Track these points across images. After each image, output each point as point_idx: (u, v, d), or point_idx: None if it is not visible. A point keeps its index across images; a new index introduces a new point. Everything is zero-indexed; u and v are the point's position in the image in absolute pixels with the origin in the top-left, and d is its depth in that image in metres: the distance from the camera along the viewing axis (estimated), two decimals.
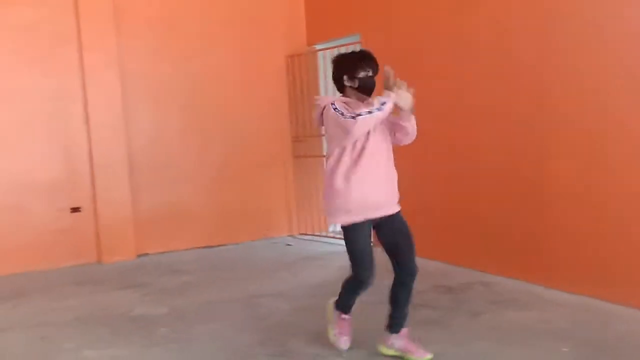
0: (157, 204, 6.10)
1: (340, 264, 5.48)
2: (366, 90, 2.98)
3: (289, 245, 6.41)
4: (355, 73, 2.97)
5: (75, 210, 5.71)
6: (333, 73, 3.08)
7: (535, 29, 4.25)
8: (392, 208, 3.02)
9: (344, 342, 3.22)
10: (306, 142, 6.86)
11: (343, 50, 6.17)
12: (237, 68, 6.55)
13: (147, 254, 6.01)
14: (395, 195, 3.06)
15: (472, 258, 4.84)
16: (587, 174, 3.98)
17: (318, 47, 6.75)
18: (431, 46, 5.18)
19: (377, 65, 3.02)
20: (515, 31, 4.39)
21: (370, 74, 2.99)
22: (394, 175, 3.07)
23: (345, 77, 3.01)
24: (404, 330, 3.13)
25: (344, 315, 3.24)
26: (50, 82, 5.66)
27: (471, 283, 4.46)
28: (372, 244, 3.05)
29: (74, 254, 5.68)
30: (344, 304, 3.23)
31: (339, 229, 6.80)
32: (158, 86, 6.14)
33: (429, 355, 3.04)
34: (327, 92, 6.63)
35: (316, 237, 6.70)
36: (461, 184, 4.99)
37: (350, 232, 3.00)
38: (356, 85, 2.99)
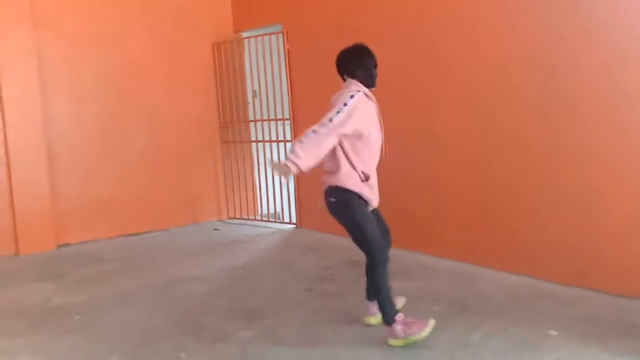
0: (79, 193, 6.02)
1: (264, 245, 5.66)
2: (371, 81, 3.25)
3: (216, 229, 6.50)
4: (367, 66, 3.26)
5: None
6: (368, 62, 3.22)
7: (463, 27, 4.50)
8: None
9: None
10: (234, 128, 6.93)
11: (267, 38, 6.35)
12: (161, 55, 6.50)
13: (68, 244, 5.94)
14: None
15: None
16: (477, 148, 4.35)
17: (244, 34, 6.80)
18: (349, 39, 5.33)
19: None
20: (440, 24, 4.59)
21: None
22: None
23: (352, 68, 3.24)
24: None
25: (401, 317, 3.08)
26: None
27: None
28: None
29: None
30: (391, 299, 3.08)
31: (265, 212, 6.97)
32: (77, 73, 6.02)
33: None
34: (253, 79, 6.72)
35: (244, 220, 6.82)
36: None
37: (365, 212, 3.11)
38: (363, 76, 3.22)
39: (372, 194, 3.16)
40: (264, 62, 6.41)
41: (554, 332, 3.12)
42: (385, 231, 3.27)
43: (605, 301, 3.53)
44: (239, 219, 6.92)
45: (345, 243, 5.21)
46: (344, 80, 3.26)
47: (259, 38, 6.45)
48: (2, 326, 3.71)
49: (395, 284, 3.96)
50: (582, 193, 3.73)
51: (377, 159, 3.19)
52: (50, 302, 4.16)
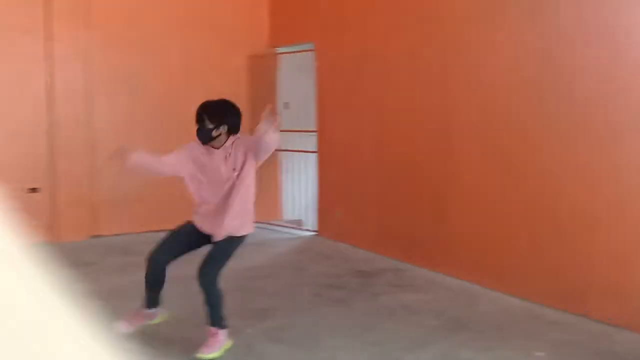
0: (114, 188, 6.41)
1: (282, 250, 5.91)
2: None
3: None
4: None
5: (32, 190, 6.03)
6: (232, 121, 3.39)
7: (472, 60, 4.67)
8: None
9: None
10: (277, 117, 7.20)
11: (300, 55, 6.64)
12: (199, 64, 6.85)
13: (100, 236, 6.35)
14: None
15: (393, 248, 5.31)
16: (484, 180, 4.49)
17: (279, 50, 7.12)
18: (379, 58, 5.59)
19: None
20: (463, 44, 4.76)
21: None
22: None
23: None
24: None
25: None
26: (15, 69, 5.92)
27: (385, 269, 4.92)
28: None
29: (28, 233, 5.97)
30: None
31: (289, 218, 7.20)
32: (121, 76, 6.43)
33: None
34: (285, 92, 7.01)
35: (267, 225, 7.09)
36: (389, 183, 5.43)
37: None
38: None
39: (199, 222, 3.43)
40: (296, 77, 6.71)
41: (540, 354, 3.23)
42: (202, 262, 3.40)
43: (594, 328, 3.62)
44: (262, 222, 7.19)
45: (359, 254, 5.46)
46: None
47: (292, 55, 6.75)
48: None
49: (401, 297, 4.17)
50: (576, 220, 3.84)
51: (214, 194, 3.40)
52: (73, 288, 4.50)
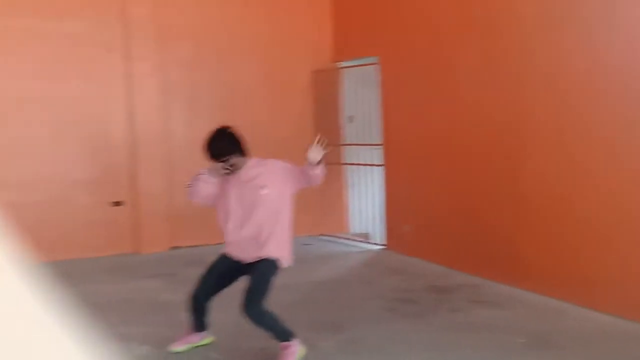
0: (190, 202, 6.70)
1: (351, 263, 5.97)
2: None
3: (307, 244, 6.91)
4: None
5: (117, 204, 6.40)
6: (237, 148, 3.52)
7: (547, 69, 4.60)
8: None
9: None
10: (328, 151, 7.33)
11: (363, 69, 6.74)
12: (265, 79, 7.09)
13: (179, 247, 6.64)
14: None
15: (468, 263, 5.22)
16: (564, 191, 4.35)
17: (342, 64, 7.24)
18: (440, 72, 5.59)
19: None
20: (535, 53, 4.67)
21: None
22: None
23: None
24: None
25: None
26: (98, 88, 6.31)
27: (461, 285, 4.85)
28: None
29: (114, 244, 6.36)
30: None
31: (355, 231, 7.26)
32: (193, 93, 6.75)
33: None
34: (349, 105, 7.11)
35: (334, 238, 7.18)
36: (463, 197, 5.38)
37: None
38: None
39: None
40: (359, 91, 6.80)
41: None
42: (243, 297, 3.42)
43: None
44: (329, 236, 7.29)
45: (430, 268, 5.43)
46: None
47: (356, 68, 6.85)
48: (120, 315, 4.31)
49: (482, 313, 4.11)
50: None
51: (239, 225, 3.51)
52: (160, 297, 4.75)
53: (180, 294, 4.81)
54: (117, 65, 6.37)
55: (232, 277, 3.60)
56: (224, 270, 3.62)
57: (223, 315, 4.24)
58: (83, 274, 5.58)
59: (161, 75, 6.53)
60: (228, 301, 4.55)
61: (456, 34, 5.40)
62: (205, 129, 6.72)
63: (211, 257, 6.10)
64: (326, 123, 7.34)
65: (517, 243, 4.79)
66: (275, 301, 4.52)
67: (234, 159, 3.40)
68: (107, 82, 6.37)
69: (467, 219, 5.28)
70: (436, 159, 5.74)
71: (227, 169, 3.41)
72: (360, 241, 6.93)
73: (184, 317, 4.20)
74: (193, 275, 5.45)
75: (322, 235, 7.36)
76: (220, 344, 3.69)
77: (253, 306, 3.32)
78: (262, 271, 3.41)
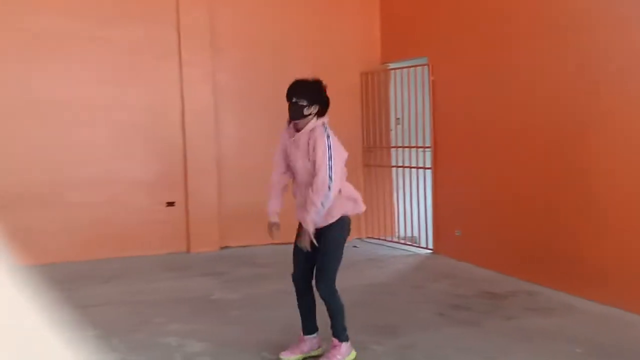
0: (240, 203, 6.83)
1: (400, 267, 5.93)
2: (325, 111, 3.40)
3: (355, 247, 6.91)
4: (325, 99, 3.43)
5: (170, 204, 6.58)
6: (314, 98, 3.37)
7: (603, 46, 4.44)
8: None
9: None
10: (376, 153, 7.34)
11: (413, 70, 6.69)
12: None
13: (229, 247, 6.77)
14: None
15: (522, 268, 5.09)
16: (628, 194, 4.17)
17: (391, 65, 7.21)
18: (494, 72, 5.48)
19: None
20: (601, 52, 4.55)
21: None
22: None
23: (313, 102, 3.34)
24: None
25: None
26: (153, 92, 6.51)
27: (516, 291, 4.75)
28: None
29: (167, 243, 6.55)
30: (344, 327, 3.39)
31: (403, 234, 7.21)
32: (244, 97, 6.88)
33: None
34: (397, 107, 7.07)
35: (381, 241, 7.16)
36: (517, 200, 5.25)
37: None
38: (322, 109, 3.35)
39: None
40: (408, 92, 6.74)
41: None
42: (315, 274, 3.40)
43: None
44: (376, 238, 7.27)
45: (482, 273, 5.34)
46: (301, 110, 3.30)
47: (405, 70, 6.80)
48: (174, 312, 4.43)
49: (537, 321, 4.02)
50: None
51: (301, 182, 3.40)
52: (212, 296, 4.86)
53: (231, 292, 4.93)
54: (172, 71, 6.55)
55: (314, 250, 3.36)
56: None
57: (275, 312, 4.31)
58: (139, 271, 5.77)
59: (213, 80, 6.68)
60: (282, 299, 4.62)
61: (510, 31, 5.27)
62: (255, 131, 6.95)
63: (260, 258, 6.27)
64: (374, 125, 7.33)
65: (578, 249, 4.61)
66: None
67: (312, 110, 3.26)
68: (163, 87, 6.56)
69: (521, 223, 5.14)
70: (488, 161, 5.62)
71: (290, 110, 3.29)
72: (408, 245, 6.88)
73: (235, 315, 4.30)
74: (243, 274, 5.58)
75: (369, 237, 7.35)
76: (272, 343, 3.73)
77: (322, 282, 3.29)
78: (326, 247, 3.29)
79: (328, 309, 3.37)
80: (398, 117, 7.17)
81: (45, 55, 6.10)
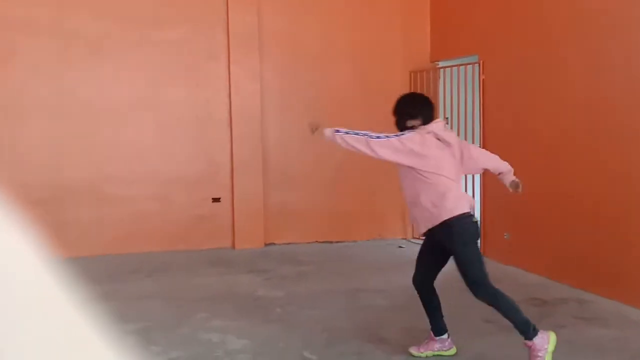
0: (285, 200, 6.87)
1: (444, 269, 5.77)
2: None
3: (401, 247, 6.82)
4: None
5: (215, 200, 6.68)
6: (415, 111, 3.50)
7: None
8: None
9: None
10: None
11: (462, 68, 6.52)
12: (360, 81, 7.06)
13: (273, 244, 6.81)
14: None
15: (572, 274, 4.88)
16: None
17: (440, 64, 7.05)
18: (547, 71, 5.26)
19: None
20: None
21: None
22: None
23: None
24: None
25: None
26: (202, 92, 6.64)
27: (567, 299, 4.54)
28: None
29: (211, 238, 6.65)
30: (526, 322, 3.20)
31: None
32: (289, 97, 6.91)
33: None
34: (446, 106, 6.92)
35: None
36: (568, 205, 5.03)
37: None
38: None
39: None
40: (458, 91, 6.57)
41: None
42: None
43: None
44: (419, 239, 7.13)
45: (531, 279, 5.15)
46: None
47: (455, 68, 6.63)
48: (217, 308, 4.47)
49: (587, 331, 3.84)
50: None
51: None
52: (256, 293, 4.89)
53: (274, 290, 4.96)
54: (219, 71, 6.65)
55: (436, 256, 3.41)
56: (424, 249, 3.53)
57: (317, 312, 4.30)
58: (182, 266, 5.89)
59: (261, 80, 6.72)
60: (325, 298, 4.61)
61: (564, 30, 5.05)
62: (299, 130, 6.95)
63: (304, 256, 6.28)
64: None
65: (630, 255, 4.38)
66: (372, 303, 4.53)
67: (414, 123, 3.40)
68: (210, 87, 6.67)
69: (571, 227, 4.92)
70: (539, 164, 5.40)
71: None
72: None
73: (278, 313, 4.31)
74: (286, 272, 5.61)
75: (415, 238, 7.23)
76: (314, 342, 3.72)
77: (472, 285, 3.27)
78: (455, 248, 3.26)
79: (495, 309, 3.29)
80: (447, 116, 7.01)
81: (95, 57, 6.30)
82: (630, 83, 4.43)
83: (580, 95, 4.88)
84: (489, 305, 3.26)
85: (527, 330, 3.15)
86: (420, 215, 3.32)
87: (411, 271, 5.64)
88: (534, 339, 3.14)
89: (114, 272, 5.57)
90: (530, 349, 3.16)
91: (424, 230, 3.38)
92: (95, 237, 6.23)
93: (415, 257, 3.59)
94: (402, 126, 3.44)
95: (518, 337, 3.74)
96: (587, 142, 4.79)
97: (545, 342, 3.14)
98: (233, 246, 6.67)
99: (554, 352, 3.15)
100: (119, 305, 4.34)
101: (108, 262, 5.89)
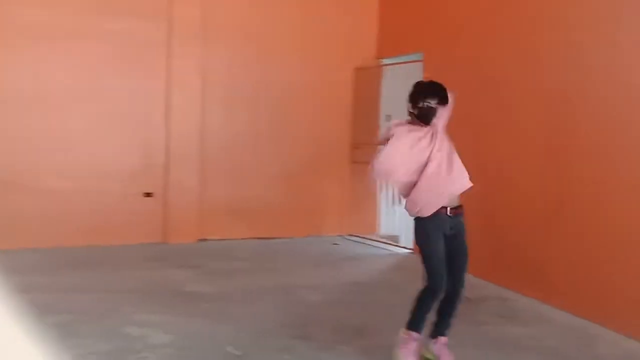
0: (220, 196, 6.75)
1: (379, 266, 5.87)
2: (422, 118, 3.29)
3: (335, 244, 6.85)
4: (417, 103, 3.28)
5: (148, 195, 6.47)
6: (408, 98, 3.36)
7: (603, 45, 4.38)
8: None
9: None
10: (364, 150, 7.25)
11: (404, 66, 6.61)
12: (308, 76, 7.03)
13: (206, 240, 6.68)
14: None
15: (499, 275, 5.04)
16: (607, 204, 4.12)
17: (385, 61, 7.12)
18: (491, 69, 5.39)
19: (441, 95, 3.26)
20: (585, 50, 4.42)
21: (431, 104, 3.24)
22: None
23: (409, 105, 3.34)
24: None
25: (414, 334, 3.26)
26: (142, 84, 6.39)
27: (489, 297, 4.70)
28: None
29: (144, 233, 6.43)
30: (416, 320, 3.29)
31: (383, 232, 7.17)
32: (232, 90, 6.78)
33: None
34: (390, 104, 6.99)
35: (362, 239, 7.09)
36: (491, 208, 5.19)
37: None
38: (415, 113, 3.31)
39: None
40: (401, 89, 6.65)
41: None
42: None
43: None
44: (357, 236, 7.21)
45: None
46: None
47: (398, 66, 6.72)
48: (144, 303, 4.33)
49: (506, 329, 3.97)
50: None
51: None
52: (185, 288, 4.77)
53: (204, 285, 4.85)
54: (159, 63, 6.44)
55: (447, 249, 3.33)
56: (441, 255, 3.41)
57: (247, 307, 4.24)
58: (113, 260, 5.68)
59: (201, 73, 6.56)
60: (255, 294, 4.56)
61: (508, 29, 5.17)
62: (242, 124, 6.86)
63: (237, 252, 6.19)
64: (364, 121, 7.25)
65: (553, 255, 4.56)
66: (304, 300, 4.51)
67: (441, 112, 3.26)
68: (151, 79, 6.45)
69: (497, 227, 5.08)
70: (482, 160, 5.46)
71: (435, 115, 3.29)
72: (389, 244, 6.82)
73: (206, 308, 4.22)
74: (219, 267, 5.50)
75: (350, 235, 7.29)
76: (240, 338, 3.65)
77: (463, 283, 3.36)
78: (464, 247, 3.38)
79: (456, 309, 3.31)
80: (388, 114, 7.10)
81: (30, 46, 5.96)
82: (559, 96, 4.59)
83: (523, 93, 4.97)
84: (460, 302, 3.29)
85: (420, 327, 3.27)
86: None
87: (344, 268, 5.74)
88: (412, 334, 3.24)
89: (41, 265, 5.32)
90: (445, 344, 3.26)
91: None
92: (23, 230, 5.88)
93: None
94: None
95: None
96: (535, 138, 4.85)
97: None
98: (166, 241, 6.49)
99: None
100: (44, 297, 4.19)
101: (36, 256, 5.60)
